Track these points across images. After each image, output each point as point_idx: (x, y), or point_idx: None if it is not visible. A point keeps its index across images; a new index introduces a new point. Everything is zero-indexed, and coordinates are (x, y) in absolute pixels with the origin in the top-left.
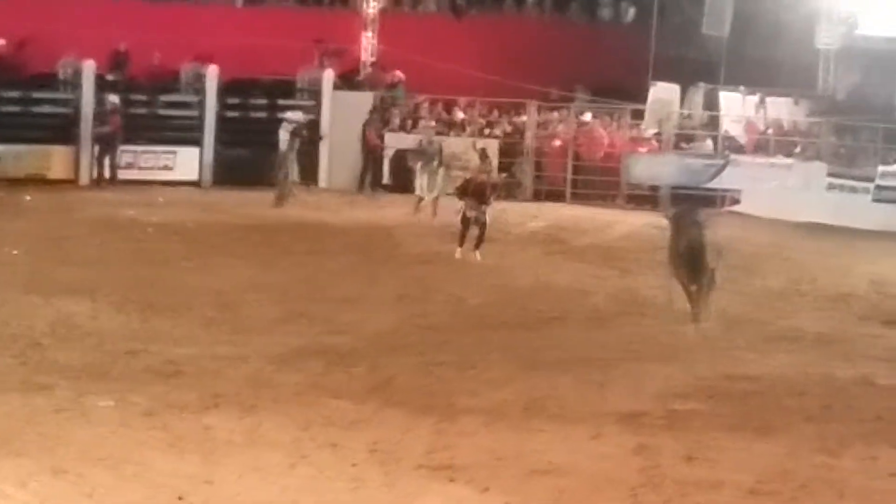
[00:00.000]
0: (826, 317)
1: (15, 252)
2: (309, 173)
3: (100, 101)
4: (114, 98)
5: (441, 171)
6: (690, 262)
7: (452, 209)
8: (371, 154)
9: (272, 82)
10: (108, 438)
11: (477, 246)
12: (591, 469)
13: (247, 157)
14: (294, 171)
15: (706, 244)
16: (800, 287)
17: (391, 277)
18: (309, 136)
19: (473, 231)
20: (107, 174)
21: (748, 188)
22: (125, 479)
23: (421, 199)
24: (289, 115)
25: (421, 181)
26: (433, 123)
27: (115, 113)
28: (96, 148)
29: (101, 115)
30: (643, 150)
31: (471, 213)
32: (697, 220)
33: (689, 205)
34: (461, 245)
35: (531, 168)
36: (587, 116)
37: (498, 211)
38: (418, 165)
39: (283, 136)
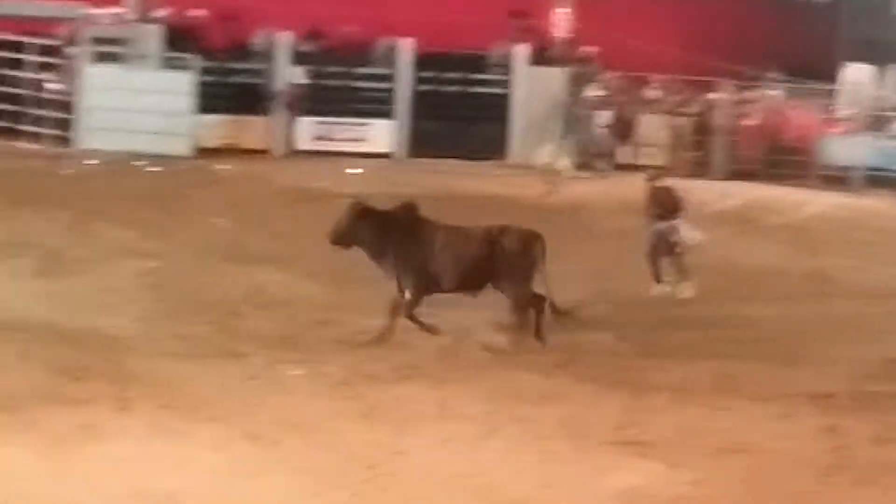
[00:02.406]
0: None
1: (213, 220)
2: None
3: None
4: (293, 70)
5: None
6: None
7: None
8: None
9: (465, 56)
10: (302, 406)
11: (680, 277)
12: (780, 448)
13: (439, 130)
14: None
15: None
16: None
17: (582, 252)
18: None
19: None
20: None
21: None
22: (317, 446)
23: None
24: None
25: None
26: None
27: (293, 85)
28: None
29: (287, 89)
30: (837, 131)
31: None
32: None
33: None
34: (657, 279)
35: (723, 147)
36: (780, 96)
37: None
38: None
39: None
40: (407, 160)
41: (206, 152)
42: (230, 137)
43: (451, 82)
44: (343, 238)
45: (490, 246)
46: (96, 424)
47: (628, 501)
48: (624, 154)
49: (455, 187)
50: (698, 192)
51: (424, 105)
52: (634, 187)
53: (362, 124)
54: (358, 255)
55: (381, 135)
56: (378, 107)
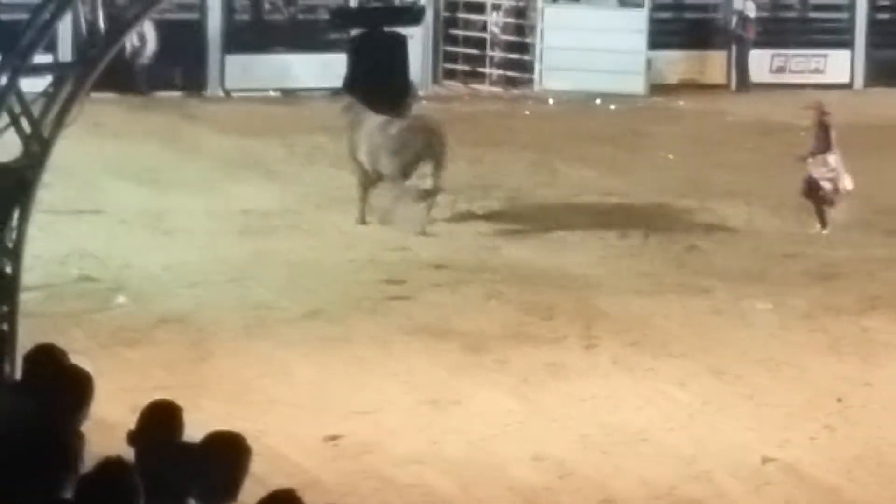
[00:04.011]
0: None
1: (670, 157)
2: None
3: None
4: (748, 3)
5: None
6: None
7: None
8: None
9: None
10: (767, 340)
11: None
12: None
13: None
14: None
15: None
16: None
17: None
18: None
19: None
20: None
21: None
22: (784, 380)
23: None
24: None
25: None
26: None
27: (750, 21)
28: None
29: (740, 23)
30: None
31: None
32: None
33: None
34: (822, 225)
35: None
36: None
37: None
38: None
39: None
40: (865, 90)
41: (661, 89)
42: (686, 73)
43: None
44: None
45: (381, 134)
46: (564, 362)
47: None
48: None
49: None
50: None
51: (882, 33)
52: None
53: (819, 55)
54: None
55: (838, 65)
56: (835, 37)
